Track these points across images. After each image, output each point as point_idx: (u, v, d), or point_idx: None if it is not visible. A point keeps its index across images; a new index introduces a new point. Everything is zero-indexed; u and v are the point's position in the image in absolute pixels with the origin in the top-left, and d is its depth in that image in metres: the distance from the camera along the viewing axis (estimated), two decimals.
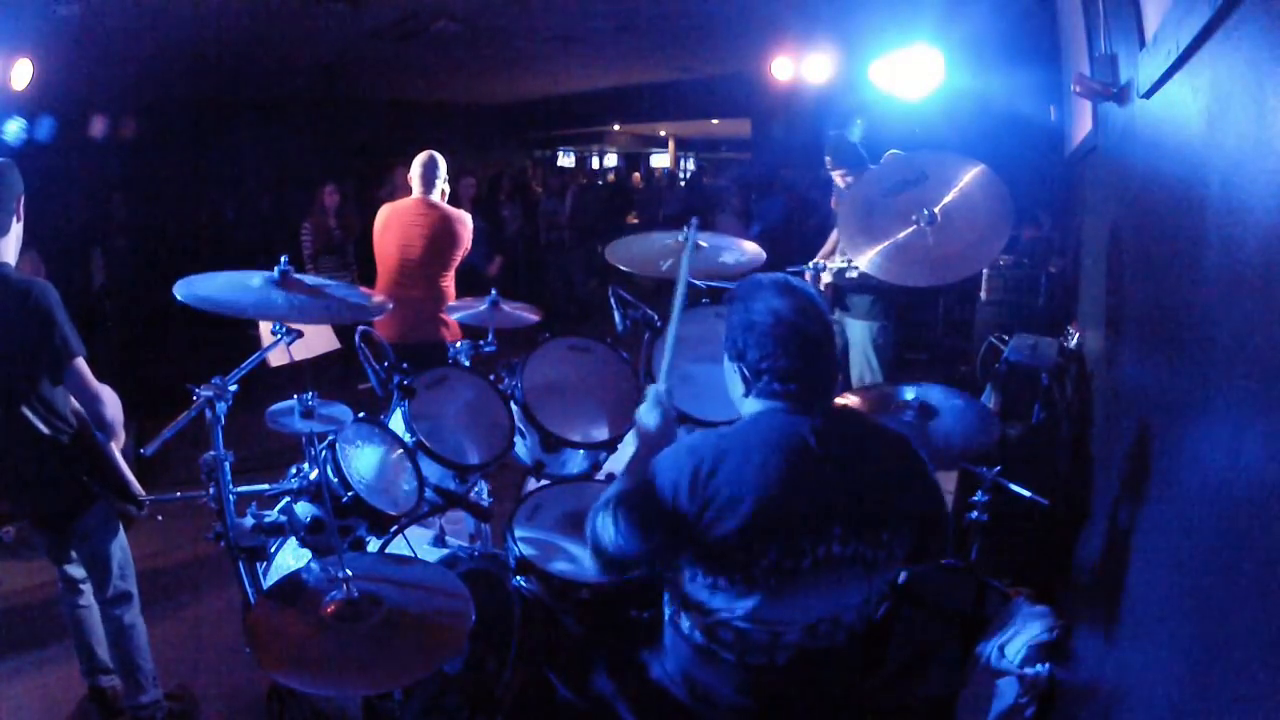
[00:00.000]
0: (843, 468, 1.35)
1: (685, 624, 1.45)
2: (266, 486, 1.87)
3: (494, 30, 6.35)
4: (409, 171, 3.88)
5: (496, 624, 2.01)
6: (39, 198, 2.14)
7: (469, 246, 3.97)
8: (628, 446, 2.52)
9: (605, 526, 1.38)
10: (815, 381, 1.41)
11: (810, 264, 3.41)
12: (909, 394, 2.22)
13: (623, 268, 2.30)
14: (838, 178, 3.61)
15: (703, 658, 1.43)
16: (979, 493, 2.19)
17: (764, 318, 1.39)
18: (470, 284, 3.80)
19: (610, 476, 2.34)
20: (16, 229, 2.12)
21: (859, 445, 1.41)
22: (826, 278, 3.33)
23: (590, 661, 1.67)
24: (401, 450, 2.10)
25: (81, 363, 2.08)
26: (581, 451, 2.33)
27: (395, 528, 2.01)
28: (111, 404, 2.17)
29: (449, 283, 3.91)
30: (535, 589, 2.02)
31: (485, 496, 2.51)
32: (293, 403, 1.73)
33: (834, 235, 3.72)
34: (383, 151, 7.92)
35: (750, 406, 1.44)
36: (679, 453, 1.38)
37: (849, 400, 2.33)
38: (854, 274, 3.20)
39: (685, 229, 2.22)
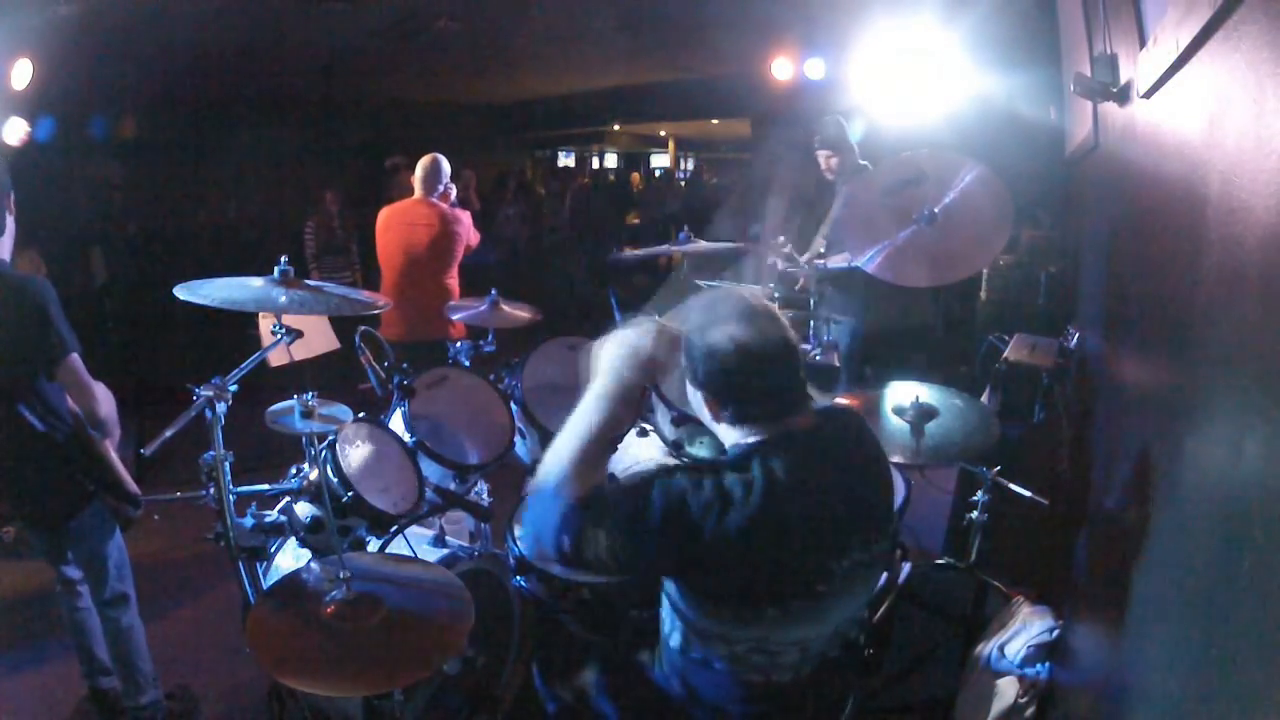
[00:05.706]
0: (842, 478, 1.35)
1: (697, 653, 1.40)
2: (266, 486, 1.87)
3: (494, 30, 6.34)
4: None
5: (496, 624, 2.01)
6: (39, 197, 2.14)
7: (473, 242, 4.04)
8: (629, 447, 2.52)
9: (594, 542, 1.29)
10: (786, 397, 1.37)
11: (803, 260, 3.41)
12: (909, 394, 2.22)
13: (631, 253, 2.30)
14: (822, 159, 3.60)
15: (714, 674, 1.40)
16: (979, 493, 2.19)
17: (725, 346, 1.32)
18: (474, 282, 3.84)
19: (610, 477, 2.33)
20: (10, 226, 2.12)
21: (850, 453, 1.40)
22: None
23: (588, 662, 1.67)
24: (401, 450, 2.10)
25: (76, 359, 2.08)
26: None
27: (395, 528, 2.01)
28: (105, 401, 2.16)
29: (453, 280, 3.96)
30: (535, 589, 2.02)
31: (485, 496, 2.51)
32: (293, 403, 1.73)
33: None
34: (383, 151, 7.91)
35: (729, 435, 1.40)
36: (673, 485, 1.29)
37: (845, 401, 2.32)
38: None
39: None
